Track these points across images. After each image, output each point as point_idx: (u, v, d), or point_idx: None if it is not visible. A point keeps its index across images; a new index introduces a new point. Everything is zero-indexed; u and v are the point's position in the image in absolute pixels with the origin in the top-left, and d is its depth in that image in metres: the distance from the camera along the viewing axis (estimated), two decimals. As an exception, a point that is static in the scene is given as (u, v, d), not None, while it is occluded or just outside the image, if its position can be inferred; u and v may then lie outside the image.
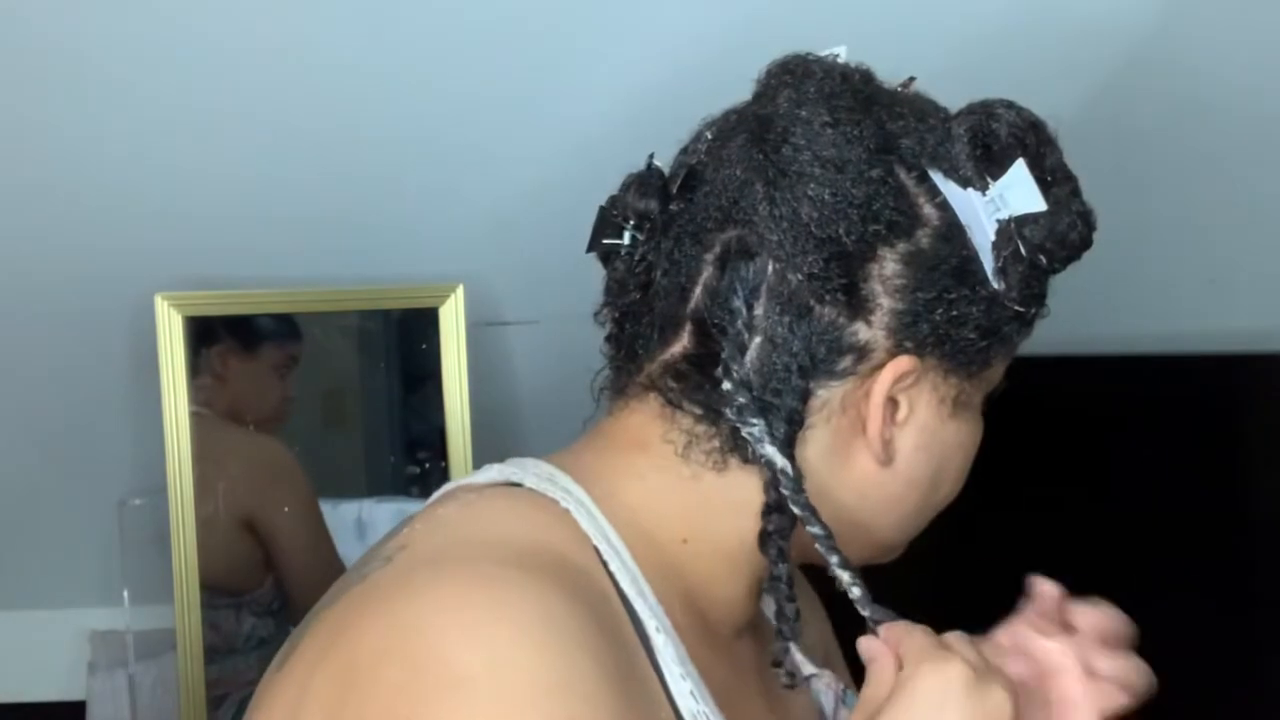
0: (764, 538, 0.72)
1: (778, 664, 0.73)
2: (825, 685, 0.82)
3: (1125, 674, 0.72)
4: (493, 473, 0.74)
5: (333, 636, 0.65)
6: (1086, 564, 1.24)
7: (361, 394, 1.46)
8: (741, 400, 0.70)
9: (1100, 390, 1.23)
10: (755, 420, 0.70)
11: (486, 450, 1.27)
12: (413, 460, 1.42)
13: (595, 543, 0.70)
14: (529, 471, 0.73)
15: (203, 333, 1.34)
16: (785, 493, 0.70)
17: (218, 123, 1.25)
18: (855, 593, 0.71)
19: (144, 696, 1.45)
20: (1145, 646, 1.19)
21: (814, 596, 0.90)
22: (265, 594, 1.40)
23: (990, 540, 1.30)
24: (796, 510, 0.71)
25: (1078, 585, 1.23)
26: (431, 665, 0.61)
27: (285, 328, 1.39)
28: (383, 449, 1.46)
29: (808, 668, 0.81)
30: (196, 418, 1.33)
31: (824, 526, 0.71)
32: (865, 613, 0.71)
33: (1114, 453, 1.21)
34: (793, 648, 0.73)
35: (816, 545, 0.71)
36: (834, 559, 0.71)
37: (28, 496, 1.44)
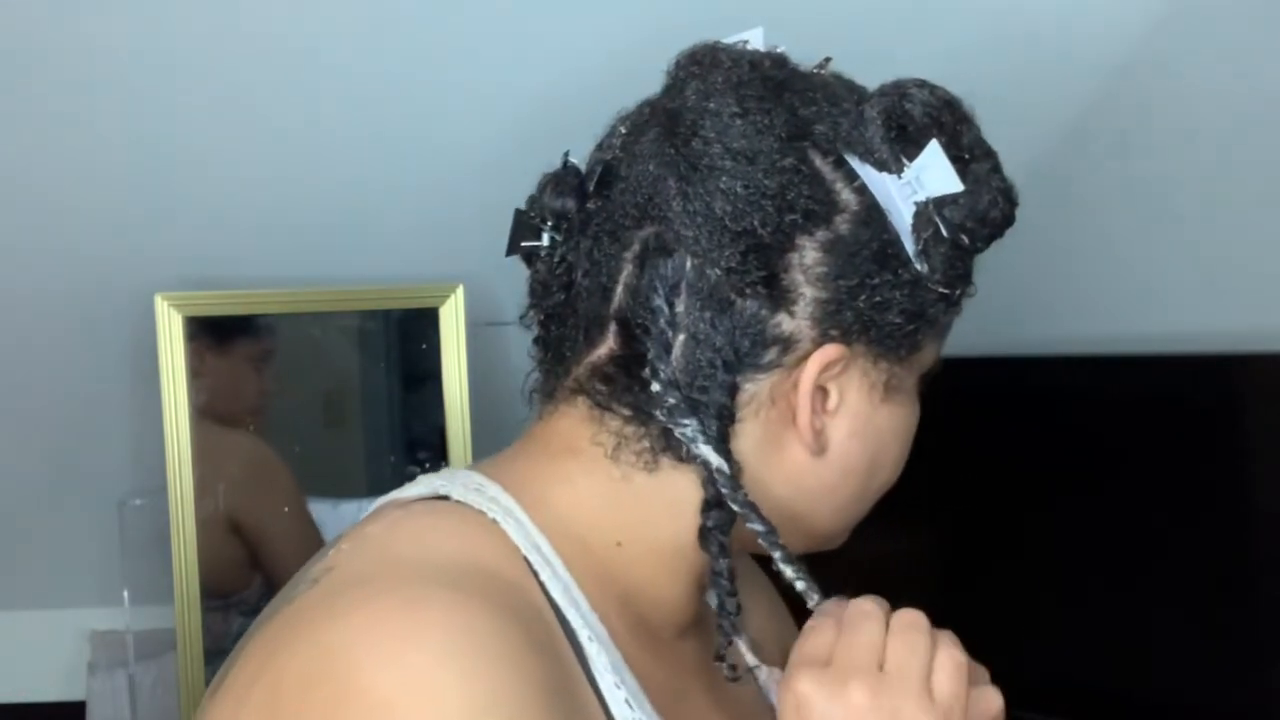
0: (704, 534, 0.71)
1: (720, 658, 0.73)
2: (774, 681, 0.83)
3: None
4: (422, 486, 0.74)
5: (261, 662, 0.65)
6: (1086, 565, 1.24)
7: (361, 394, 1.46)
8: (671, 401, 0.70)
9: (1100, 390, 1.23)
10: (687, 420, 0.70)
11: (486, 450, 1.27)
12: (413, 460, 1.42)
13: (525, 554, 0.69)
14: (457, 483, 0.73)
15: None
16: (724, 490, 0.70)
17: (217, 123, 1.25)
18: (800, 586, 0.72)
19: (144, 696, 1.45)
20: (1145, 647, 1.19)
21: (769, 587, 0.89)
22: (253, 594, 1.39)
23: (989, 540, 1.30)
24: (736, 508, 0.70)
25: (1077, 586, 1.23)
26: (353, 692, 0.61)
27: (257, 320, 1.38)
28: (383, 449, 1.46)
29: (754, 662, 0.82)
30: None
31: (765, 522, 0.71)
32: (812, 606, 0.72)
33: (1113, 453, 1.21)
34: (740, 642, 0.73)
35: (760, 540, 0.71)
36: (778, 554, 0.71)
37: (28, 496, 1.44)
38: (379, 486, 1.43)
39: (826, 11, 1.10)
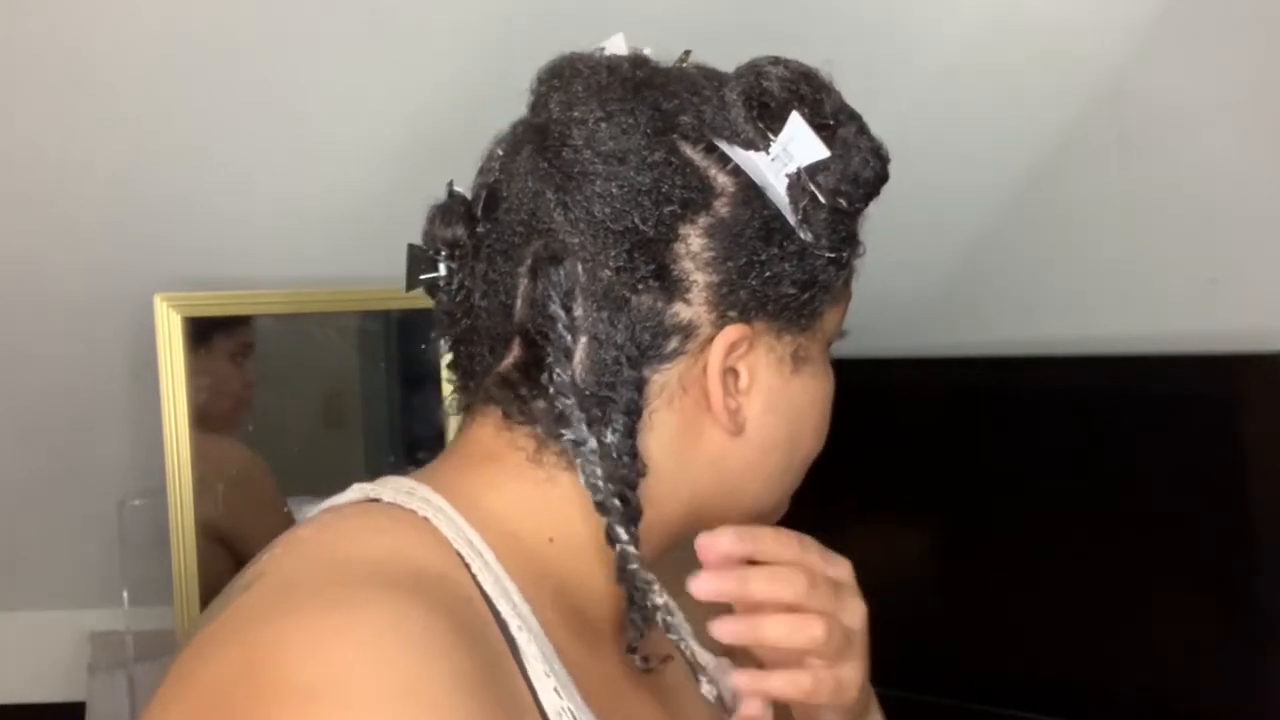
0: (609, 530, 0.72)
1: (632, 650, 0.74)
2: (722, 671, 0.83)
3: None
4: (355, 492, 0.75)
5: (192, 665, 0.65)
6: (1086, 565, 1.24)
7: (361, 394, 1.46)
8: (560, 407, 0.71)
9: (1101, 390, 1.23)
10: (566, 429, 0.71)
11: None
12: (413, 460, 1.42)
13: (457, 547, 0.70)
14: (389, 487, 0.74)
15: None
16: (599, 486, 0.71)
17: (217, 122, 1.25)
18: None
19: (144, 697, 1.44)
20: (1145, 647, 1.19)
21: None
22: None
23: (990, 540, 1.30)
24: (601, 499, 0.71)
25: (1076, 585, 1.23)
26: (277, 683, 0.61)
27: (234, 316, 1.36)
28: (383, 449, 1.45)
29: (704, 656, 0.82)
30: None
31: (627, 529, 0.71)
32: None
33: (1114, 453, 1.21)
34: (686, 637, 0.75)
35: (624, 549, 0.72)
36: (626, 553, 0.71)
37: (28, 496, 1.44)
38: (378, 487, 1.44)
39: (826, 17, 1.11)
